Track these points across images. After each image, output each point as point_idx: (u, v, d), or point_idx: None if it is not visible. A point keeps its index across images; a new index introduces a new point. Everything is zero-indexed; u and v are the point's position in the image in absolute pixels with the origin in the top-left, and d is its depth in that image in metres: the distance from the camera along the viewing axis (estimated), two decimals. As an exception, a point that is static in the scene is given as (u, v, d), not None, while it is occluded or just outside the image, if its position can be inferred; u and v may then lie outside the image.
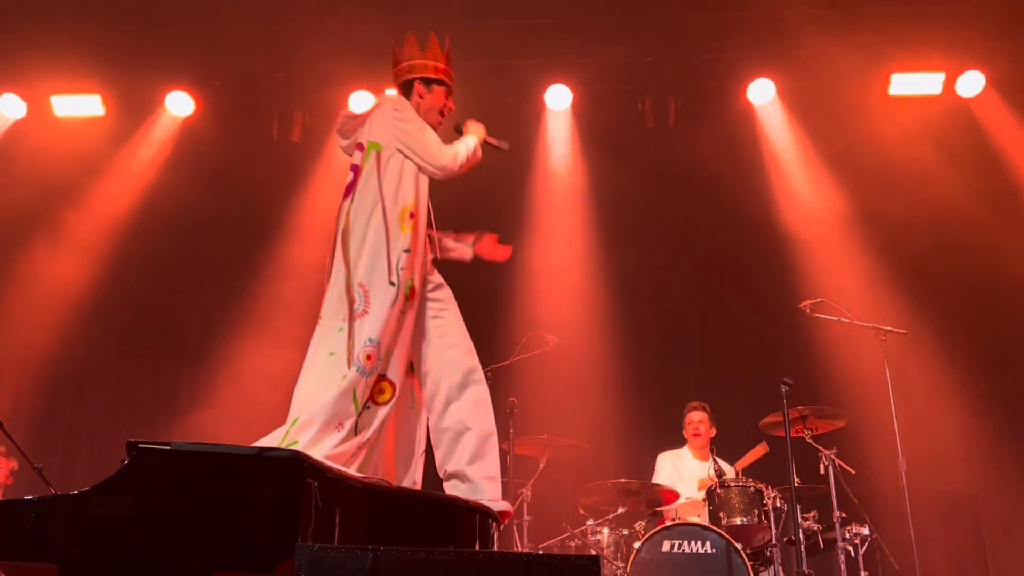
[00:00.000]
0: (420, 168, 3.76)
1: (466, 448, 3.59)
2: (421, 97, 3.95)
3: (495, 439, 3.64)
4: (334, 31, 7.31)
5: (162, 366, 8.15)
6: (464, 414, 3.61)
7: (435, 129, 3.91)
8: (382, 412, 3.50)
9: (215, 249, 8.11)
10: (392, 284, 3.52)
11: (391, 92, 4.11)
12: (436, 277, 3.83)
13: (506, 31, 7.25)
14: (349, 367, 3.40)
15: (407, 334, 3.60)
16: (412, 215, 3.66)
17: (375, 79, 7.45)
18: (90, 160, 7.88)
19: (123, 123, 7.89)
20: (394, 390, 3.53)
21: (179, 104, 7.80)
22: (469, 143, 3.93)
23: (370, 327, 3.46)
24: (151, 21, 7.30)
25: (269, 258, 7.94)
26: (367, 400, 3.46)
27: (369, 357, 3.43)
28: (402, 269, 3.55)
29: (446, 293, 3.82)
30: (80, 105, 7.81)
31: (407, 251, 3.58)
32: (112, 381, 8.06)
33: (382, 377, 3.51)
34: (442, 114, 3.99)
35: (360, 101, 7.61)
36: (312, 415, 3.33)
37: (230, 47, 7.54)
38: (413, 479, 3.71)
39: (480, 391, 3.67)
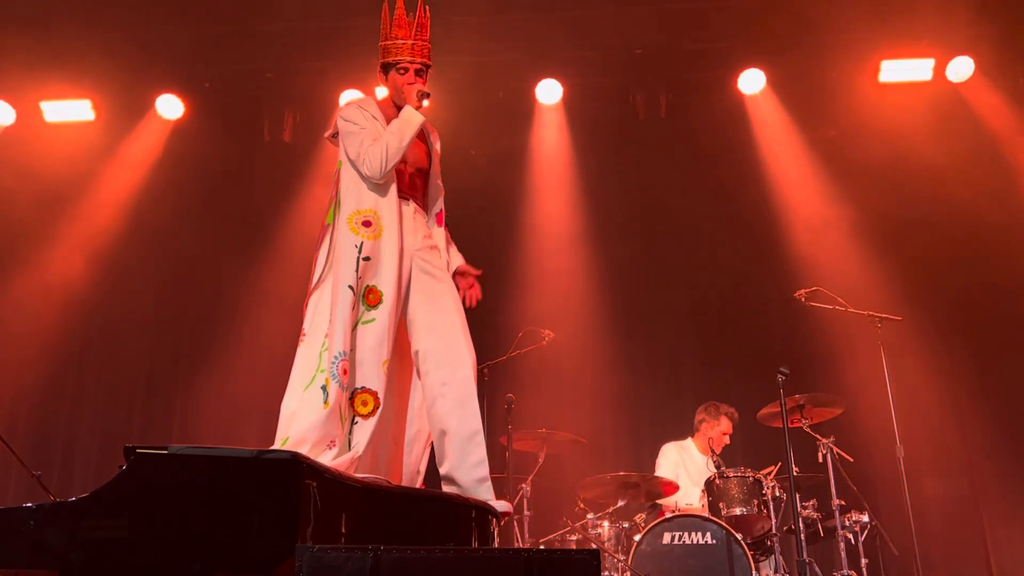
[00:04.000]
0: None
1: (451, 450, 3.50)
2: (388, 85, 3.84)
3: (480, 437, 3.51)
4: (323, 30, 7.30)
5: (159, 371, 8.13)
6: (446, 413, 3.50)
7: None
8: (369, 425, 3.44)
9: (209, 251, 8.09)
10: (351, 289, 3.47)
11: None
12: (431, 267, 3.71)
13: (495, 26, 7.24)
14: (331, 383, 3.37)
15: (385, 340, 3.50)
16: (367, 223, 3.57)
17: (365, 77, 7.44)
18: (81, 165, 7.86)
19: (114, 127, 7.87)
20: (376, 400, 3.47)
21: (169, 107, 7.79)
22: (393, 128, 3.65)
23: (338, 341, 3.41)
24: (139, 24, 7.28)
25: (263, 260, 7.93)
26: (354, 415, 3.45)
27: (345, 372, 3.41)
28: (360, 277, 3.49)
29: (438, 285, 3.69)
30: (70, 110, 7.78)
31: (367, 259, 3.52)
32: (109, 387, 8.04)
33: (363, 389, 3.47)
34: (425, 97, 3.73)
35: (350, 99, 7.59)
36: (303, 434, 3.31)
37: (219, 48, 7.54)
38: (419, 469, 3.71)
39: (464, 388, 3.52)
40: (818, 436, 5.65)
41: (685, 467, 6.44)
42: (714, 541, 5.15)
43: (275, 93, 7.85)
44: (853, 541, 5.47)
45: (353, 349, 3.47)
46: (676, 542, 5.18)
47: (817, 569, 5.42)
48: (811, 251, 7.60)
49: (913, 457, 5.77)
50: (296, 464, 2.67)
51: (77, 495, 2.67)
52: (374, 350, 3.49)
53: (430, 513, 3.23)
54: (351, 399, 3.46)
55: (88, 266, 7.93)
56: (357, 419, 3.45)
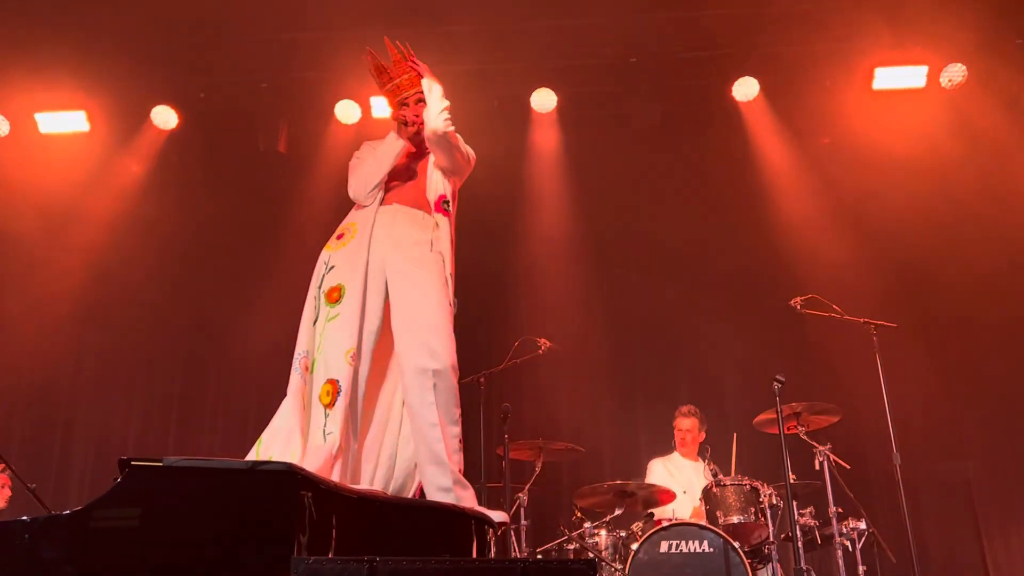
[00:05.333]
0: None
1: (419, 457, 3.57)
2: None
3: (440, 445, 3.49)
4: (317, 40, 7.31)
5: (154, 382, 8.12)
6: (411, 418, 3.58)
7: (412, 141, 3.95)
8: (335, 414, 3.48)
9: (205, 262, 8.09)
10: (314, 298, 3.70)
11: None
12: (409, 266, 3.72)
13: (490, 35, 7.25)
14: (293, 376, 3.56)
15: (347, 330, 3.59)
16: (340, 236, 3.82)
17: (360, 88, 7.46)
18: (76, 176, 7.84)
19: (109, 138, 7.86)
20: (336, 387, 3.52)
21: (164, 118, 7.78)
22: (376, 153, 3.94)
23: (301, 341, 3.65)
24: (134, 35, 7.29)
25: (259, 269, 7.92)
26: (324, 408, 3.50)
27: (306, 368, 3.58)
28: (321, 287, 3.70)
29: (412, 283, 3.68)
30: (65, 122, 7.77)
31: (331, 268, 3.73)
32: (105, 399, 8.03)
33: (327, 380, 3.54)
34: (406, 124, 3.93)
35: (345, 111, 7.62)
36: (277, 426, 3.45)
37: (213, 59, 7.53)
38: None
39: (422, 394, 3.51)
40: (815, 443, 5.64)
41: (674, 478, 6.46)
42: (711, 549, 5.14)
43: (270, 104, 7.84)
44: (851, 548, 5.46)
45: (321, 345, 3.60)
46: (673, 551, 5.17)
47: (815, 576, 5.41)
48: (806, 258, 7.60)
49: (909, 464, 5.76)
50: (291, 475, 2.66)
51: (72, 508, 2.66)
52: (338, 342, 3.59)
53: (426, 523, 3.22)
54: (319, 390, 3.55)
55: (83, 277, 7.91)
56: (327, 411, 3.50)
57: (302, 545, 2.57)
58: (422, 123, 3.88)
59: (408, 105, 3.97)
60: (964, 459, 7.52)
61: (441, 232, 3.86)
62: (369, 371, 3.67)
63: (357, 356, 3.58)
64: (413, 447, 3.67)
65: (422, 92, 3.94)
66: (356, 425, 3.60)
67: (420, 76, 3.94)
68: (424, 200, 3.92)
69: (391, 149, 3.91)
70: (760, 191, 7.82)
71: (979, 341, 7.62)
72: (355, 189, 3.90)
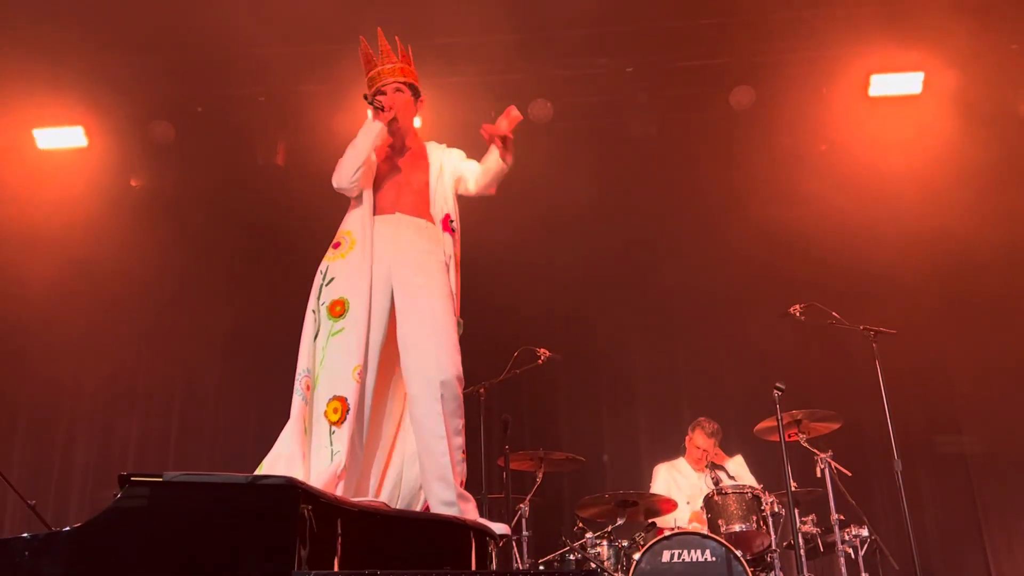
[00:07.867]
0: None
1: (424, 470, 3.55)
2: None
3: (446, 459, 3.48)
4: (315, 53, 7.32)
5: (153, 397, 8.10)
6: (416, 428, 3.56)
7: (394, 137, 3.96)
8: (343, 432, 3.45)
9: (204, 275, 8.08)
10: (313, 312, 3.64)
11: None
12: (412, 284, 3.70)
13: (485, 47, 7.26)
14: (295, 399, 3.51)
15: (354, 347, 3.54)
16: (337, 244, 3.77)
17: (358, 101, 7.44)
18: (74, 192, 7.84)
19: (107, 153, 7.85)
20: (345, 405, 3.48)
21: (162, 132, 7.78)
22: (353, 144, 3.85)
23: (302, 360, 3.58)
24: (132, 50, 7.30)
25: (258, 283, 7.92)
26: (331, 426, 3.47)
27: (308, 387, 3.53)
28: (321, 300, 3.64)
29: (417, 302, 3.66)
30: (63, 137, 7.77)
31: (331, 281, 3.67)
32: (103, 415, 8.01)
33: (334, 397, 3.50)
34: (382, 109, 3.88)
35: (342, 122, 7.61)
36: (278, 451, 3.41)
37: (211, 73, 7.54)
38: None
39: (429, 405, 3.50)
40: (816, 450, 5.64)
41: (677, 484, 6.44)
42: (714, 558, 5.13)
43: (268, 117, 7.85)
44: (853, 556, 5.46)
45: (324, 361, 3.55)
46: (676, 560, 5.16)
47: (818, 584, 5.40)
48: (805, 265, 7.60)
49: (911, 470, 5.75)
50: (291, 489, 2.66)
51: (72, 524, 2.65)
52: (344, 358, 3.54)
53: (427, 536, 3.21)
54: (324, 409, 3.50)
55: (80, 292, 7.90)
56: (333, 428, 3.47)
57: (303, 559, 2.57)
58: (398, 110, 3.89)
59: (385, 93, 3.94)
60: (966, 465, 7.51)
61: (448, 251, 3.86)
62: (375, 382, 3.65)
63: (364, 371, 3.55)
64: (419, 465, 3.66)
65: (400, 81, 3.96)
66: (363, 439, 3.58)
67: (405, 66, 3.97)
68: (427, 212, 3.90)
69: (369, 130, 3.83)
70: (758, 199, 7.82)
71: (979, 346, 7.62)
72: (337, 178, 3.80)
